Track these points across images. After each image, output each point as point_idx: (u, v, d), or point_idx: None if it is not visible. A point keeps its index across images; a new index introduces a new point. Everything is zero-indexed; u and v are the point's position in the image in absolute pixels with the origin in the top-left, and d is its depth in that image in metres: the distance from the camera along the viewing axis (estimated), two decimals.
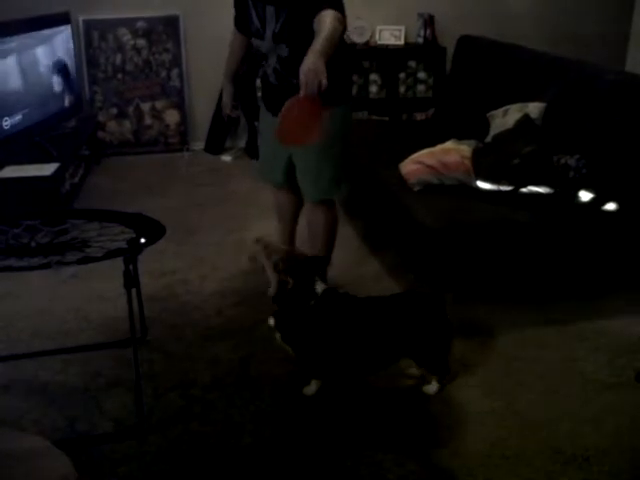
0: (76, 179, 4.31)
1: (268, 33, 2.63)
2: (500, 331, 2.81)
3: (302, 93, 2.26)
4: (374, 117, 5.24)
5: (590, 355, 2.66)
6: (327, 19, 2.38)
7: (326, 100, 2.32)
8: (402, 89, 5.33)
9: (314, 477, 2.06)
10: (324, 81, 2.23)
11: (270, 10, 2.57)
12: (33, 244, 2.41)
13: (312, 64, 2.23)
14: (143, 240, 2.37)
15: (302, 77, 2.24)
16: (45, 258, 2.32)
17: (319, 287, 2.34)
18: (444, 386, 2.44)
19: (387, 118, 5.21)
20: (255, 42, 2.75)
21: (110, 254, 2.33)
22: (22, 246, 2.39)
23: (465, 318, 2.83)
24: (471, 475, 2.04)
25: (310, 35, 2.42)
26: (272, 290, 2.39)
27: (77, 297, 3.12)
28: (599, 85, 3.23)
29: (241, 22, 2.84)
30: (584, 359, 2.63)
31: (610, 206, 3.03)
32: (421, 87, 5.34)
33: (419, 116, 5.25)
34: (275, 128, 2.43)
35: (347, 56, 2.84)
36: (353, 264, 3.41)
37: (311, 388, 2.43)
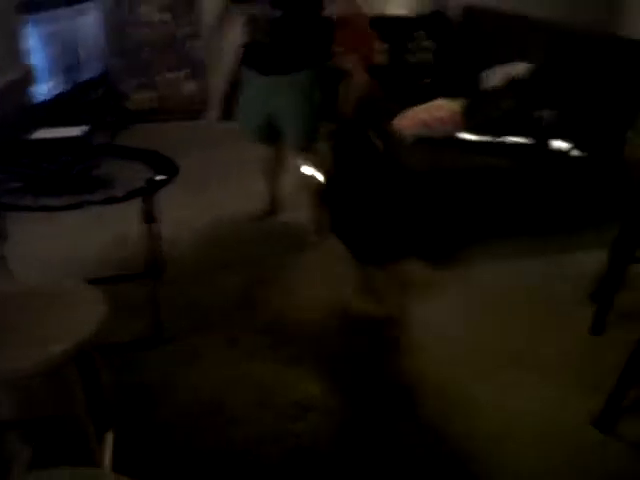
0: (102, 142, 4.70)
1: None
2: (479, 263, 3.14)
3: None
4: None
5: (555, 280, 2.99)
6: None
7: (306, 61, 2.69)
8: (409, 57, 5.59)
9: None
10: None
11: None
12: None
13: None
14: (159, 178, 2.72)
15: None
16: (76, 196, 2.71)
17: None
18: None
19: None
20: (246, 7, 3.11)
21: (131, 194, 2.71)
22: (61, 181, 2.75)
23: (442, 251, 3.19)
24: (434, 372, 2.40)
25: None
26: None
27: (103, 235, 3.51)
28: (577, 46, 3.53)
29: None
30: (549, 284, 2.96)
31: (578, 153, 3.32)
32: (427, 55, 5.59)
33: (420, 83, 5.49)
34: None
35: (323, 25, 3.20)
36: None
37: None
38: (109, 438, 1.63)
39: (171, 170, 2.81)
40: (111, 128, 5.06)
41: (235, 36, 3.42)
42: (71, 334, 1.34)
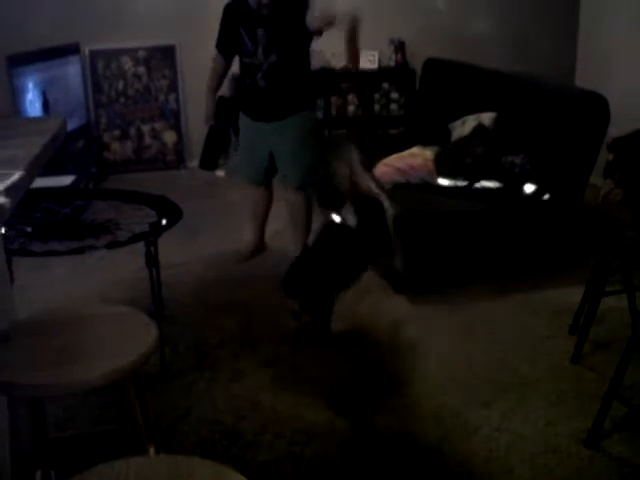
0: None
1: (260, 50, 3.32)
2: (456, 304, 3.34)
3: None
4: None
5: (533, 317, 3.22)
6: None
7: (301, 105, 3.15)
8: (377, 108, 5.92)
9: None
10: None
11: (261, 31, 3.30)
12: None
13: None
14: (164, 222, 2.88)
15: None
16: (80, 241, 2.85)
17: None
18: None
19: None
20: (246, 59, 3.40)
21: (134, 238, 2.86)
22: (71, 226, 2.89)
23: (425, 295, 3.39)
24: (430, 397, 2.58)
25: (293, 47, 3.31)
26: None
27: (102, 279, 3.65)
28: (539, 95, 3.84)
29: (226, 46, 3.51)
30: (527, 319, 3.19)
31: (547, 196, 3.60)
32: (394, 106, 5.94)
33: (393, 132, 5.82)
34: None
35: (311, 71, 3.58)
36: None
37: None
38: (151, 452, 1.76)
39: (174, 214, 2.97)
40: (92, 178, 5.20)
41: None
42: (131, 350, 1.50)
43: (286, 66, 3.33)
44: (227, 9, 3.46)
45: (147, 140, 5.77)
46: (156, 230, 2.90)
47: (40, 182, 4.24)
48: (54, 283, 3.64)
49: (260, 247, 3.96)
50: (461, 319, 3.20)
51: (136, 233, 2.87)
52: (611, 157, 2.54)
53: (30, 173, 1.51)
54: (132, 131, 5.72)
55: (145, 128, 5.74)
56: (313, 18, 3.27)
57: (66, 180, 4.29)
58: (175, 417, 2.50)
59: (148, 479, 1.13)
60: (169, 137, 5.80)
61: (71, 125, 5.00)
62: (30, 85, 4.55)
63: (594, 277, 2.79)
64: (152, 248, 2.94)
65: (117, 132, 5.70)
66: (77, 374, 1.43)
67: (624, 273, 2.62)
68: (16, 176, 1.37)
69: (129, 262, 3.45)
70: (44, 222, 2.89)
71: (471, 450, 2.31)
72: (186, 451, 2.32)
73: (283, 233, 4.01)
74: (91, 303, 3.36)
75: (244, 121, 3.58)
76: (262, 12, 3.27)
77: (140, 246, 2.80)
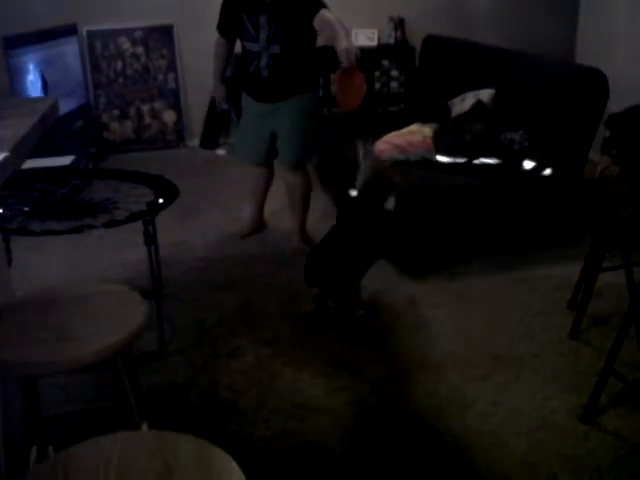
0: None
1: (262, 37, 3.24)
2: (456, 280, 3.35)
3: (345, 65, 2.94)
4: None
5: (532, 292, 3.22)
6: (327, 15, 3.07)
7: (305, 86, 2.90)
8: (377, 86, 5.88)
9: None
10: (358, 53, 2.95)
11: (263, 18, 3.20)
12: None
13: (349, 42, 2.96)
14: (161, 201, 2.88)
15: (343, 54, 2.91)
16: (78, 221, 2.85)
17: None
18: None
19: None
20: (248, 45, 3.34)
21: (132, 217, 2.86)
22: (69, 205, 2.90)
23: (425, 272, 3.39)
24: (426, 374, 2.60)
25: (296, 36, 3.17)
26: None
27: (102, 258, 3.67)
28: (538, 72, 3.81)
29: (228, 29, 3.43)
30: (526, 295, 3.19)
31: (547, 172, 3.58)
32: (394, 84, 5.91)
33: (393, 109, 5.78)
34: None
35: (316, 53, 3.49)
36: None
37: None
38: (144, 428, 1.77)
39: (171, 193, 2.97)
40: (92, 158, 5.19)
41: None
42: (122, 328, 1.51)
43: (289, 58, 3.26)
44: None
45: (147, 120, 5.75)
46: (153, 209, 2.91)
47: (39, 162, 4.27)
48: (53, 262, 3.66)
49: (259, 225, 3.98)
50: (460, 295, 3.21)
51: (134, 212, 2.88)
52: (608, 133, 2.52)
53: (17, 154, 1.51)
54: (132, 111, 5.70)
55: (144, 108, 5.71)
56: (323, 23, 3.10)
57: (65, 160, 4.29)
58: (174, 394, 2.53)
59: (132, 454, 1.14)
60: (169, 116, 5.78)
61: (70, 106, 5.01)
62: (29, 66, 4.53)
63: (592, 253, 2.78)
64: (150, 227, 2.95)
65: (116, 112, 5.68)
66: (69, 352, 1.45)
67: (621, 248, 2.61)
68: (0, 157, 1.37)
69: (129, 241, 3.44)
70: (41, 202, 2.89)
71: (466, 425, 2.32)
72: (184, 427, 2.32)
73: (282, 212, 4.01)
74: (87, 282, 3.38)
75: (247, 100, 3.55)
76: (270, 2, 3.20)
77: (139, 225, 2.80)
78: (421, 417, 2.37)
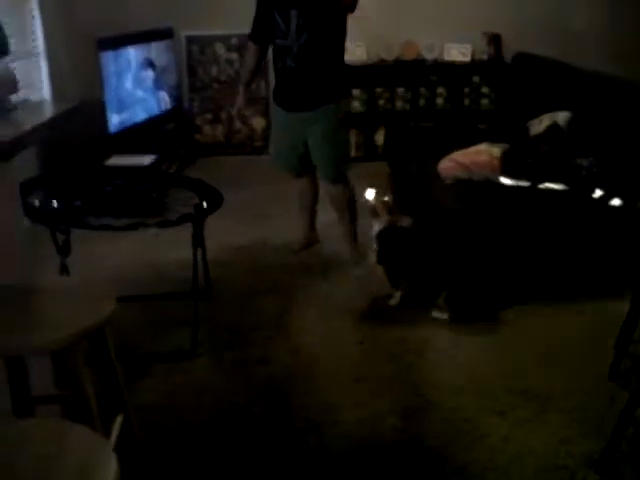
0: (170, 172, 5.05)
1: (292, 29, 3.29)
2: (513, 305, 3.24)
3: None
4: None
5: (583, 327, 3.07)
6: None
7: (334, 95, 3.18)
8: (466, 102, 5.78)
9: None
10: None
11: (294, 12, 3.27)
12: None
13: None
14: (205, 205, 2.99)
15: None
16: (133, 219, 3.01)
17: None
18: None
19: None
20: (280, 42, 3.38)
21: (183, 218, 2.99)
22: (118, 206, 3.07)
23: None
24: (445, 400, 2.53)
25: (325, 28, 3.26)
26: (380, 226, 3.23)
27: (158, 257, 3.82)
28: (617, 96, 3.62)
29: (261, 34, 3.49)
30: (574, 330, 3.05)
31: (616, 202, 3.39)
32: (484, 100, 5.78)
33: (481, 127, 5.66)
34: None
35: (345, 61, 3.52)
36: None
37: (395, 298, 3.24)
38: (117, 422, 1.85)
39: (217, 199, 3.08)
40: (181, 159, 5.43)
41: None
42: (80, 322, 1.61)
43: (317, 46, 3.28)
44: None
45: (237, 125, 5.94)
46: (201, 212, 3.02)
47: (119, 160, 4.53)
48: (114, 257, 3.85)
49: (312, 239, 3.95)
50: (506, 325, 3.10)
51: (184, 214, 3.02)
52: None
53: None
54: (223, 115, 5.91)
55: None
56: None
57: (145, 160, 4.52)
58: (192, 393, 2.61)
59: (15, 441, 1.22)
60: (258, 123, 5.94)
61: (161, 107, 5.26)
62: (123, 67, 4.80)
63: (636, 291, 2.61)
64: (198, 229, 3.08)
65: (209, 116, 5.91)
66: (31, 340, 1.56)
67: None
68: None
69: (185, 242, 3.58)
70: (90, 197, 3.07)
71: (473, 457, 2.24)
72: (190, 426, 2.41)
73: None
74: (148, 278, 3.56)
75: (277, 111, 3.60)
76: None
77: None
78: (427, 444, 2.32)
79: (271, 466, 2.24)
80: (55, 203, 3.14)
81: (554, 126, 3.80)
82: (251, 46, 3.60)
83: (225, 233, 4.09)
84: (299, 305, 3.30)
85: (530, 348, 2.90)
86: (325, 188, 3.67)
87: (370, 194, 3.30)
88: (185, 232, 3.06)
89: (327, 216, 3.93)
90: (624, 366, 2.68)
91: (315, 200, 3.85)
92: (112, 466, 1.18)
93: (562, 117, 3.84)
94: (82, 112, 5.15)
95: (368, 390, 2.63)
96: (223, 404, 2.54)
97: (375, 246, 3.25)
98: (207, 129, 5.96)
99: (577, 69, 4.28)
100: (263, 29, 3.46)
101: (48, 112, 4.86)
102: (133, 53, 4.90)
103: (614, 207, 3.40)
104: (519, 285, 3.38)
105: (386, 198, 3.29)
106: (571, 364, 2.78)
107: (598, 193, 3.42)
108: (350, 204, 3.64)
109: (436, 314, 3.13)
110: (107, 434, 1.82)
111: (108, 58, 4.56)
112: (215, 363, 2.82)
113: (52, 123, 2.43)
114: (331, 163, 3.53)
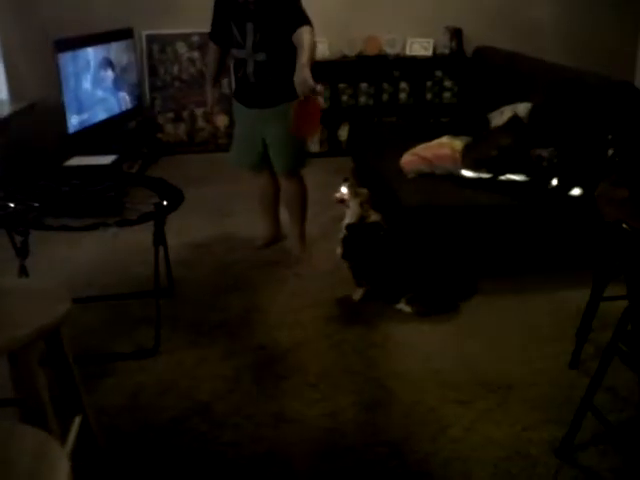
0: (132, 171, 5.00)
1: (248, 44, 3.30)
2: (474, 297, 3.26)
3: (301, 97, 3.02)
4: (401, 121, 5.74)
5: (544, 317, 3.10)
6: (305, 35, 3.11)
7: (293, 94, 3.06)
8: (429, 96, 5.81)
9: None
10: (314, 85, 3.01)
11: (250, 26, 3.26)
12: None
13: (304, 75, 3.00)
14: (166, 203, 2.96)
15: (298, 86, 3.01)
16: (92, 219, 2.97)
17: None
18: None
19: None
20: (235, 52, 3.39)
21: (143, 217, 2.96)
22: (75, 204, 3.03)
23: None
24: (408, 392, 2.54)
25: (282, 44, 3.21)
26: (351, 219, 3.20)
27: (119, 256, 3.78)
28: (576, 88, 3.66)
29: (218, 35, 3.49)
30: (535, 320, 3.07)
31: (576, 191, 3.43)
32: (447, 94, 5.82)
33: (444, 120, 5.69)
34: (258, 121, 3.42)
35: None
36: None
37: (358, 294, 3.26)
38: (75, 423, 1.83)
39: (177, 197, 3.05)
40: (143, 158, 5.37)
41: None
42: (35, 322, 1.58)
43: (275, 64, 3.30)
44: (218, 0, 3.41)
45: (200, 123, 5.89)
46: (162, 211, 2.99)
47: (79, 161, 4.46)
48: (75, 258, 3.80)
49: (277, 236, 3.94)
50: (467, 316, 3.12)
51: (145, 213, 2.98)
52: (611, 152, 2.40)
53: None
54: (185, 114, 5.86)
55: (198, 111, 5.86)
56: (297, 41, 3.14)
57: (106, 160, 4.46)
58: (155, 392, 2.58)
59: None
60: (221, 121, 5.88)
61: (122, 107, 5.20)
62: (82, 68, 4.73)
63: (596, 280, 2.64)
64: (159, 228, 3.05)
65: (171, 115, 5.86)
66: None
67: (625, 276, 2.46)
68: None
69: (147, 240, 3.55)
70: (46, 197, 3.02)
71: (435, 448, 2.25)
72: (157, 426, 2.39)
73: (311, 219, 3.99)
74: (110, 278, 3.50)
75: (238, 107, 3.58)
76: (249, 7, 3.24)
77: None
78: (389, 436, 2.32)
79: (238, 467, 2.22)
80: (12, 205, 3.08)
81: (515, 118, 3.83)
82: (212, 45, 3.60)
83: (188, 231, 4.07)
84: (264, 301, 3.28)
85: (492, 338, 2.93)
86: (281, 183, 3.68)
87: (344, 187, 3.30)
88: (147, 231, 3.03)
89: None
90: (585, 354, 2.71)
91: (277, 197, 3.84)
92: (63, 470, 1.16)
93: (522, 108, 3.88)
94: (41, 113, 5.12)
95: (332, 384, 2.62)
96: (186, 403, 2.52)
97: (341, 239, 3.24)
98: (169, 128, 5.90)
99: (536, 61, 4.33)
100: (220, 31, 3.46)
101: (4, 111, 4.81)
102: (92, 54, 4.83)
103: (574, 197, 3.44)
104: (480, 276, 3.41)
105: (359, 191, 3.29)
106: (533, 353, 2.81)
107: (558, 183, 3.46)
108: (303, 201, 3.68)
109: (400, 306, 3.15)
110: (64, 437, 1.80)
111: (66, 59, 4.49)
112: (178, 361, 2.79)
113: (7, 122, 2.38)
114: (287, 157, 3.54)
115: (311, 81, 2.99)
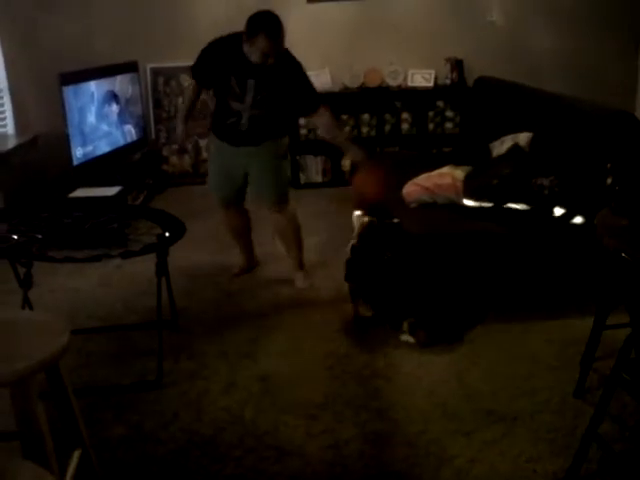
0: (137, 203, 5.03)
1: (247, 100, 3.36)
2: (478, 326, 3.25)
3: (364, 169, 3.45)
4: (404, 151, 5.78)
5: (547, 346, 3.07)
6: (329, 119, 3.47)
7: (277, 133, 3.36)
8: (431, 126, 5.85)
9: None
10: (365, 155, 3.46)
11: (251, 83, 3.31)
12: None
13: (359, 151, 3.47)
14: (168, 234, 2.98)
15: (360, 163, 3.47)
16: (95, 250, 2.99)
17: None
18: None
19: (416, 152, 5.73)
20: (233, 104, 3.41)
21: (146, 249, 2.97)
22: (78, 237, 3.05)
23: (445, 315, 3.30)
24: (412, 423, 2.52)
25: (279, 105, 3.39)
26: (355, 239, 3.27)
27: (122, 287, 3.80)
28: (576, 117, 3.69)
29: (204, 79, 3.54)
30: (539, 348, 3.05)
31: (578, 220, 3.43)
32: (449, 124, 5.86)
33: (446, 150, 5.73)
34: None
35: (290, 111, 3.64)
36: None
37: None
38: (75, 457, 1.81)
39: (179, 229, 3.06)
40: (148, 189, 5.41)
41: None
42: (36, 355, 1.58)
43: (269, 117, 3.43)
44: (214, 49, 3.41)
45: (204, 154, 5.94)
46: (164, 242, 3.00)
47: (84, 192, 4.50)
48: (83, 288, 3.81)
49: (251, 264, 4.02)
50: (471, 345, 3.11)
51: (148, 244, 2.99)
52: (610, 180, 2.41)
53: None
54: (190, 146, 5.92)
55: (202, 143, 5.91)
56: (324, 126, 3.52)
57: (111, 191, 4.49)
58: (157, 425, 2.56)
59: None
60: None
61: (127, 139, 5.25)
62: (86, 101, 4.80)
63: (598, 308, 2.64)
64: (162, 259, 3.05)
65: (175, 146, 5.90)
66: None
67: (626, 304, 2.46)
68: None
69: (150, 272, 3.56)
70: (50, 230, 3.04)
71: (439, 478, 2.23)
72: (158, 458, 2.37)
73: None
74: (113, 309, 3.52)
75: (218, 144, 3.61)
76: (259, 67, 3.25)
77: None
78: (393, 467, 2.30)
79: None
80: (16, 236, 3.10)
81: (515, 147, 3.85)
82: (192, 82, 3.63)
83: (191, 262, 4.08)
84: (266, 331, 3.28)
85: (495, 368, 2.91)
86: (271, 218, 3.72)
87: (356, 215, 3.38)
88: (150, 262, 3.04)
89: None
90: (589, 383, 2.69)
91: (248, 227, 3.92)
92: None
93: (523, 138, 3.89)
94: (46, 145, 5.18)
95: (334, 415, 2.60)
96: (188, 436, 2.50)
97: (345, 261, 3.28)
98: (174, 159, 5.96)
99: (537, 91, 4.36)
100: (207, 75, 3.50)
101: (9, 144, 4.86)
102: (96, 87, 4.90)
103: (576, 225, 3.44)
104: (484, 305, 3.40)
105: (366, 219, 3.33)
106: (537, 382, 2.79)
107: (560, 212, 3.47)
108: (295, 230, 3.73)
109: (404, 338, 3.14)
110: (64, 471, 1.79)
111: (71, 93, 4.55)
112: (180, 393, 2.78)
113: (12, 154, 2.41)
114: (275, 186, 3.60)
115: (362, 153, 3.39)
